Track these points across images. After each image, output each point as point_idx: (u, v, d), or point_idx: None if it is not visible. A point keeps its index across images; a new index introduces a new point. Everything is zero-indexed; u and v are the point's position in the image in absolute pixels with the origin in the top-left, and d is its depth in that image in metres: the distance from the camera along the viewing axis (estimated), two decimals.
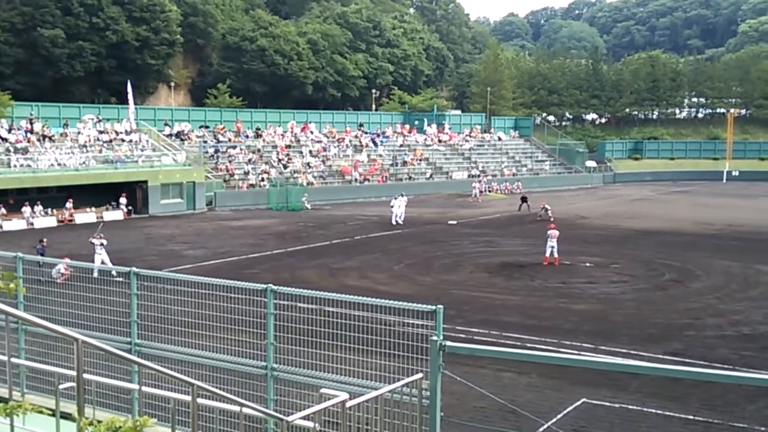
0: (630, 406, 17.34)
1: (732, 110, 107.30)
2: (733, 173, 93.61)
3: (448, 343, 8.24)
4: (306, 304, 11.62)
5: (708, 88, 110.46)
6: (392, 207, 51.64)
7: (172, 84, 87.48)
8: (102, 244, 31.87)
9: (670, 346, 22.60)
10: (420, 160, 80.00)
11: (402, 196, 53.27)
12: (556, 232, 36.36)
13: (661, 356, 21.18)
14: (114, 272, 23.41)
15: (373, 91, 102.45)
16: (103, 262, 30.05)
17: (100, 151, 57.16)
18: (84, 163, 54.70)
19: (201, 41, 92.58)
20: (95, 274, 15.07)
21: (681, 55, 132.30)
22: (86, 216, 52.83)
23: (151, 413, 7.64)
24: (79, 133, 58.65)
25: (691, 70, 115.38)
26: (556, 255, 36.00)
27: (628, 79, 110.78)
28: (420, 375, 8.72)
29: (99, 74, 78.02)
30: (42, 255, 30.49)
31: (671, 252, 39.89)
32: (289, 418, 7.50)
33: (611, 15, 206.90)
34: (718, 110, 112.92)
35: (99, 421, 4.52)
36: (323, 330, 11.19)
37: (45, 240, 33.90)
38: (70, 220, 51.87)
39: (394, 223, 50.37)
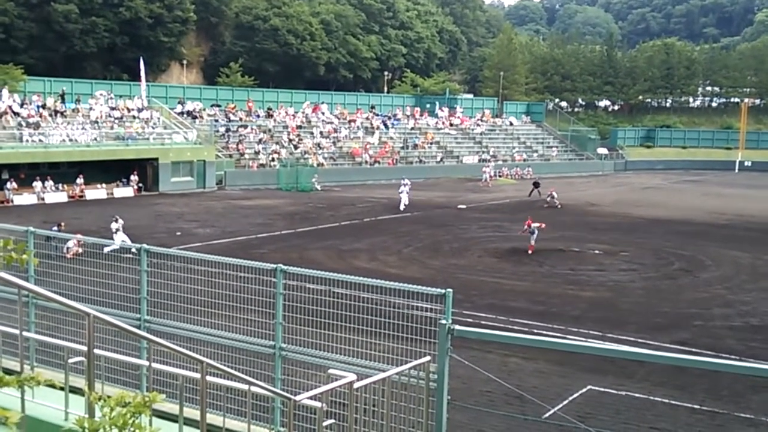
0: (636, 394, 17.35)
1: (746, 100, 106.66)
2: (746, 163, 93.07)
3: (457, 327, 8.24)
4: (315, 285, 11.62)
5: (723, 77, 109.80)
6: (401, 193, 51.24)
7: (185, 62, 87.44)
8: (118, 230, 31.65)
9: (677, 336, 22.58)
10: (431, 143, 79.84)
11: (404, 180, 52.95)
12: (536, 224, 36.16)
13: (668, 345, 21.15)
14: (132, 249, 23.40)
15: (386, 73, 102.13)
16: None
17: (112, 128, 57.20)
18: (95, 139, 54.78)
19: (214, 19, 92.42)
20: (106, 250, 15.09)
21: (696, 43, 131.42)
22: (97, 192, 52.99)
23: (160, 389, 7.68)
24: (90, 109, 58.69)
25: (706, 58, 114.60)
26: (532, 243, 35.68)
27: (643, 67, 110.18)
28: (428, 358, 8.73)
29: (112, 50, 78.03)
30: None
31: (681, 241, 39.78)
32: (297, 398, 7.52)
33: (627, 1, 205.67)
34: (732, 100, 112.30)
35: (108, 396, 4.52)
36: (332, 311, 11.19)
37: (63, 224, 32.95)
38: (81, 196, 52.03)
39: (401, 208, 50.15)
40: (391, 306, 10.98)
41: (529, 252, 34.76)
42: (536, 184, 61.35)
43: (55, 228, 31.76)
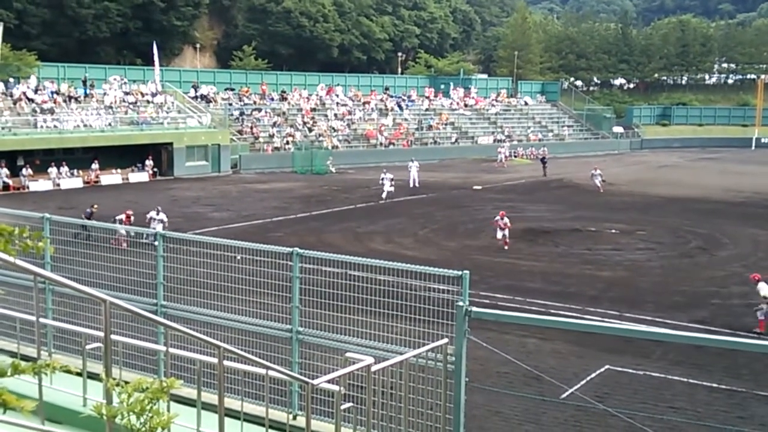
0: (654, 374, 17.30)
1: (762, 76, 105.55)
2: (763, 140, 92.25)
3: (474, 308, 8.19)
4: (331, 268, 11.59)
5: (738, 53, 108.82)
6: (410, 170, 51.63)
7: (198, 46, 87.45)
8: (159, 219, 31.56)
9: (695, 314, 22.49)
10: (445, 124, 79.55)
11: (413, 161, 52.90)
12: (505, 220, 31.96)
13: (686, 324, 21.08)
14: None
15: (399, 54, 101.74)
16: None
17: (126, 113, 57.32)
18: (110, 124, 54.89)
19: (227, 2, 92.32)
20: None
21: (712, 19, 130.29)
22: (112, 177, 53.15)
23: (178, 375, 7.68)
24: (105, 94, 58.79)
25: (722, 35, 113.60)
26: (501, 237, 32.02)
27: (658, 44, 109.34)
28: (445, 340, 8.68)
29: (125, 35, 78.08)
30: (87, 217, 30.23)
31: (698, 219, 39.55)
32: (315, 382, 7.49)
33: None
34: (748, 76, 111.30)
35: (126, 382, 4.52)
36: (348, 294, 11.17)
37: (96, 206, 33.15)
38: (96, 182, 52.19)
39: (411, 186, 50.33)
40: (408, 288, 10.95)
41: (505, 247, 31.82)
42: (543, 161, 61.19)
43: (88, 211, 31.80)
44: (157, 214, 31.84)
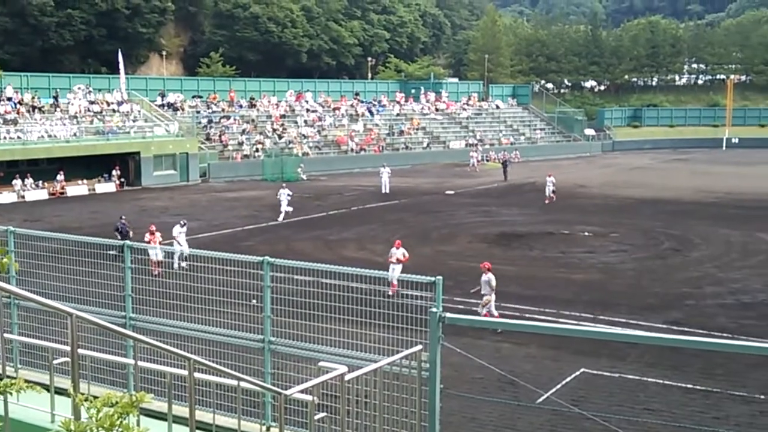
0: (629, 376, 17.29)
1: (732, 76, 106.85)
2: (733, 140, 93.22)
3: (448, 314, 8.09)
4: (303, 277, 11.47)
5: (708, 54, 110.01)
6: (381, 176, 51.77)
7: (164, 53, 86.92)
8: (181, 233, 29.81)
9: (669, 315, 22.55)
10: (417, 129, 79.59)
11: (384, 167, 52.83)
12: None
13: (660, 325, 21.13)
14: (183, 263, 22.18)
15: (369, 59, 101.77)
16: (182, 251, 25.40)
17: (91, 122, 56.76)
18: (75, 134, 54.29)
19: (193, 9, 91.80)
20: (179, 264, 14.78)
21: (681, 20, 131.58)
22: (78, 188, 52.54)
23: (148, 388, 7.51)
24: (69, 103, 58.16)
25: (691, 35, 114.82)
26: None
27: (628, 45, 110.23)
28: (419, 347, 8.58)
29: (89, 43, 77.41)
30: (121, 231, 29.35)
31: (670, 221, 39.79)
32: (287, 392, 7.39)
33: None
34: (718, 76, 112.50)
35: (95, 397, 4.41)
36: (321, 302, 11.07)
37: (124, 217, 32.24)
38: (62, 193, 51.53)
39: (383, 192, 50.51)
40: (381, 295, 10.85)
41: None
42: (505, 164, 61.36)
43: (120, 223, 30.53)
44: (182, 226, 29.92)
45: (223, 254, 11.66)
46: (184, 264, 21.83)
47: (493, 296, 21.45)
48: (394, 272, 21.23)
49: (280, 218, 39.80)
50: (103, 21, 76.50)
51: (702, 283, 26.84)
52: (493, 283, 21.41)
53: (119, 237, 27.32)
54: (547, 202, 46.17)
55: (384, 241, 34.29)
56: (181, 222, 30.59)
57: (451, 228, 37.97)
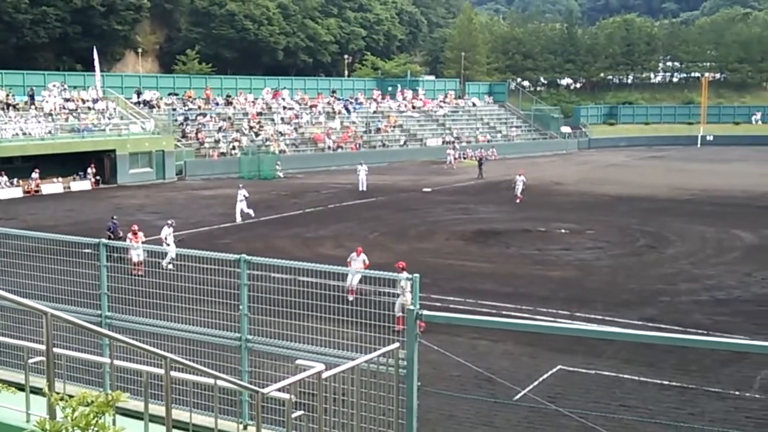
0: (605, 372, 17.39)
1: (706, 74, 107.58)
2: (708, 138, 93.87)
3: (425, 312, 8.11)
4: (280, 275, 11.45)
5: (683, 52, 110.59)
6: (359, 174, 51.78)
7: (140, 50, 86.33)
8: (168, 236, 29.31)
9: (644, 312, 22.71)
10: (394, 126, 79.56)
11: (362, 164, 52.78)
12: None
13: (635, 322, 21.27)
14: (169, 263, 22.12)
15: (346, 56, 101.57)
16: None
17: (67, 120, 56.30)
18: (50, 132, 53.84)
19: (169, 6, 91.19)
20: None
21: (656, 18, 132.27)
22: (53, 186, 52.05)
23: (124, 387, 7.47)
24: (44, 101, 57.65)
25: (666, 33, 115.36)
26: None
27: (603, 43, 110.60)
28: (396, 344, 8.59)
29: (64, 40, 76.70)
30: (113, 231, 29.06)
31: (646, 218, 40.06)
32: (264, 390, 7.37)
33: None
34: (692, 74, 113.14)
35: (70, 396, 4.38)
36: (298, 300, 11.06)
37: (116, 217, 31.92)
38: (37, 191, 50.96)
39: (360, 190, 50.52)
40: (359, 293, 10.87)
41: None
42: (480, 162, 61.52)
43: (111, 223, 30.26)
44: (168, 227, 29.59)
45: (201, 252, 11.63)
46: (170, 266, 21.78)
47: (408, 296, 18.93)
48: (355, 278, 19.13)
49: (238, 219, 38.56)
50: (78, 18, 75.80)
51: (677, 279, 27.06)
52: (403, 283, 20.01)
53: (111, 237, 27.11)
54: (517, 201, 45.80)
55: (361, 239, 34.30)
56: (169, 222, 30.34)
57: (429, 225, 38.03)
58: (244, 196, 39.49)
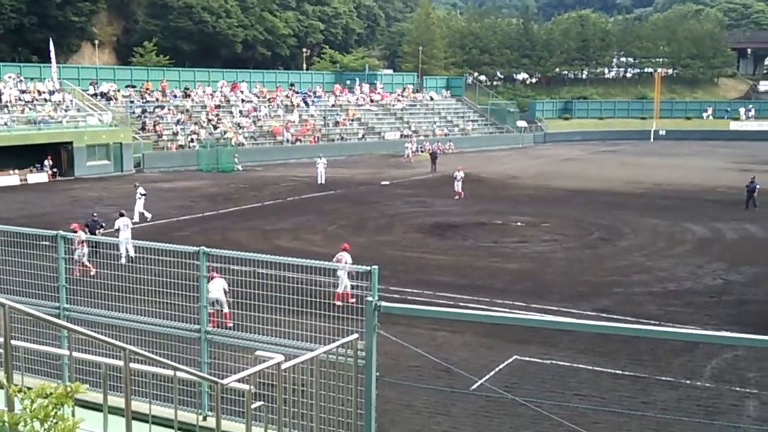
0: (560, 362, 17.67)
1: (659, 70, 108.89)
2: (661, 132, 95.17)
3: (383, 303, 8.22)
4: (239, 267, 11.50)
5: (636, 47, 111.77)
6: (317, 167, 51.81)
7: (96, 42, 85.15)
8: (126, 226, 29.16)
9: (599, 303, 23.08)
10: (352, 120, 79.58)
11: (320, 158, 52.75)
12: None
13: (590, 313, 21.62)
14: (129, 256, 22.13)
15: (304, 50, 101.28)
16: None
17: (22, 112, 55.53)
18: (5, 123, 53.08)
19: None
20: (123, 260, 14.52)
21: (610, 14, 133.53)
22: (9, 179, 51.40)
23: (83, 379, 7.48)
24: None
25: (620, 29, 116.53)
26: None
27: (558, 39, 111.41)
28: (355, 336, 8.69)
29: (19, 31, 75.44)
30: (90, 228, 28.37)
31: (600, 211, 40.58)
32: (224, 381, 7.42)
33: None
34: (645, 70, 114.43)
35: (29, 388, 4.40)
36: (257, 292, 11.11)
37: (96, 214, 31.50)
38: None
39: (319, 183, 50.64)
40: (317, 285, 10.94)
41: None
42: (434, 156, 61.67)
43: (90, 220, 29.67)
44: (122, 217, 29.48)
45: (159, 244, 11.62)
46: (123, 260, 21.73)
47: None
48: (344, 279, 18.67)
49: (135, 218, 35.37)
50: (34, 9, 74.57)
51: (630, 271, 27.50)
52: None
53: (87, 233, 26.77)
54: (456, 198, 45.04)
55: (320, 231, 34.38)
56: (121, 212, 30.48)
57: (387, 218, 38.18)
58: (141, 194, 37.18)
